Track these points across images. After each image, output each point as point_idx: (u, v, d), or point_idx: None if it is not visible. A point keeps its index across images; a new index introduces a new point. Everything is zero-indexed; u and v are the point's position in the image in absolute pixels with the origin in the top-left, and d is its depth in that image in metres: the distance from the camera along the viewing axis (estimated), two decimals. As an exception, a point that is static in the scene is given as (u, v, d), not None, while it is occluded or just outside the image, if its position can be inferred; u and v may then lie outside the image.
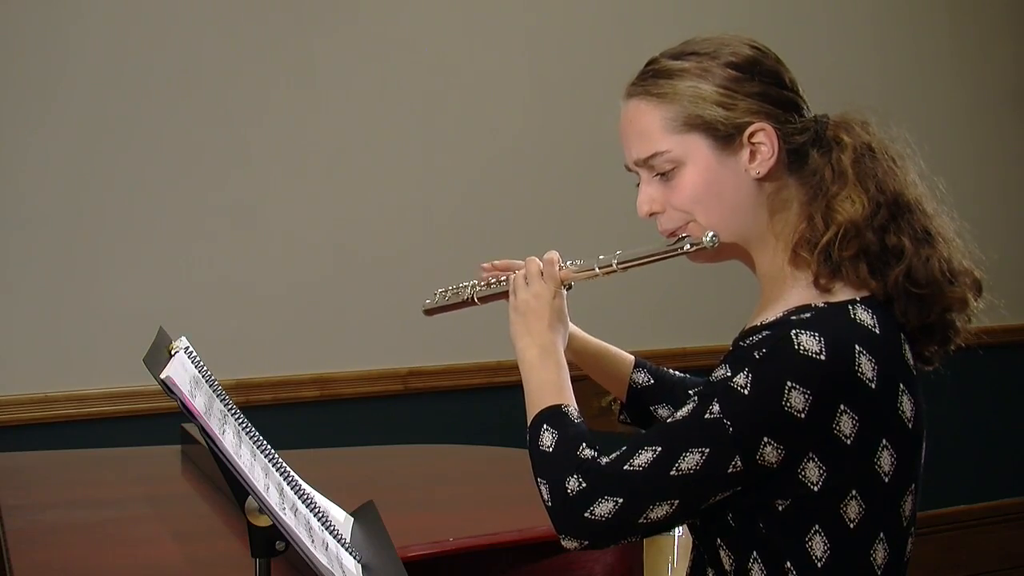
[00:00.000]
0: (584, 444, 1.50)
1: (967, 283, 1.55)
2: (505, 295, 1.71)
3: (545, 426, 1.53)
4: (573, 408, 1.56)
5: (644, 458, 1.44)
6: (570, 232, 3.56)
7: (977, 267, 1.57)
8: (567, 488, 1.46)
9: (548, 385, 1.58)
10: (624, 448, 1.47)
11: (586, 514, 1.45)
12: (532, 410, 1.57)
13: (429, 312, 1.86)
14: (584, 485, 1.46)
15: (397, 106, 3.41)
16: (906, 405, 1.48)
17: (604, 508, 1.45)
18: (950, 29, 4.19)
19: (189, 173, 3.20)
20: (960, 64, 4.21)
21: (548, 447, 1.51)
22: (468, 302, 1.79)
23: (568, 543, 1.48)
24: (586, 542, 1.47)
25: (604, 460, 1.47)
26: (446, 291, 1.83)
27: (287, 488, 1.47)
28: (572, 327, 1.71)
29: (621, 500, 1.44)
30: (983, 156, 4.24)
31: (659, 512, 1.44)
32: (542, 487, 1.50)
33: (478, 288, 1.77)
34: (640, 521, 1.45)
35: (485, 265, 1.78)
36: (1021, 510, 4.42)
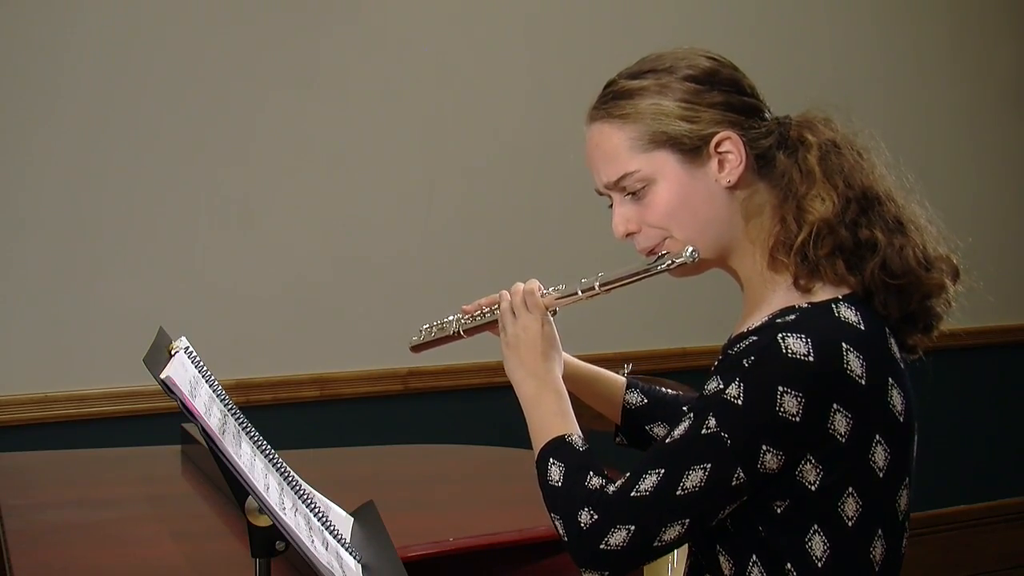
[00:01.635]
0: (591, 473, 1.50)
1: (943, 269, 1.55)
2: (490, 326, 1.73)
3: (551, 459, 1.53)
4: (576, 436, 1.56)
5: (649, 482, 1.44)
6: (570, 231, 3.55)
7: (953, 253, 1.57)
8: (580, 522, 1.47)
9: (549, 416, 1.58)
10: (629, 475, 1.47)
11: (601, 546, 1.45)
12: (537, 444, 1.57)
13: (416, 349, 1.86)
14: (596, 517, 1.46)
15: (397, 106, 3.41)
16: (896, 399, 1.48)
17: (618, 538, 1.45)
18: (950, 29, 4.19)
19: (189, 173, 3.20)
20: (960, 64, 4.21)
21: (556, 482, 1.51)
22: (454, 336, 1.79)
23: None
24: (607, 572, 1.47)
25: (611, 489, 1.47)
26: (431, 327, 1.83)
27: (287, 488, 1.48)
28: (563, 354, 1.70)
29: (633, 528, 1.44)
30: (983, 156, 4.23)
31: (672, 533, 1.45)
32: (557, 523, 1.50)
33: (463, 321, 1.78)
34: (655, 545, 1.45)
35: (467, 308, 1.78)
36: (1021, 510, 4.41)
